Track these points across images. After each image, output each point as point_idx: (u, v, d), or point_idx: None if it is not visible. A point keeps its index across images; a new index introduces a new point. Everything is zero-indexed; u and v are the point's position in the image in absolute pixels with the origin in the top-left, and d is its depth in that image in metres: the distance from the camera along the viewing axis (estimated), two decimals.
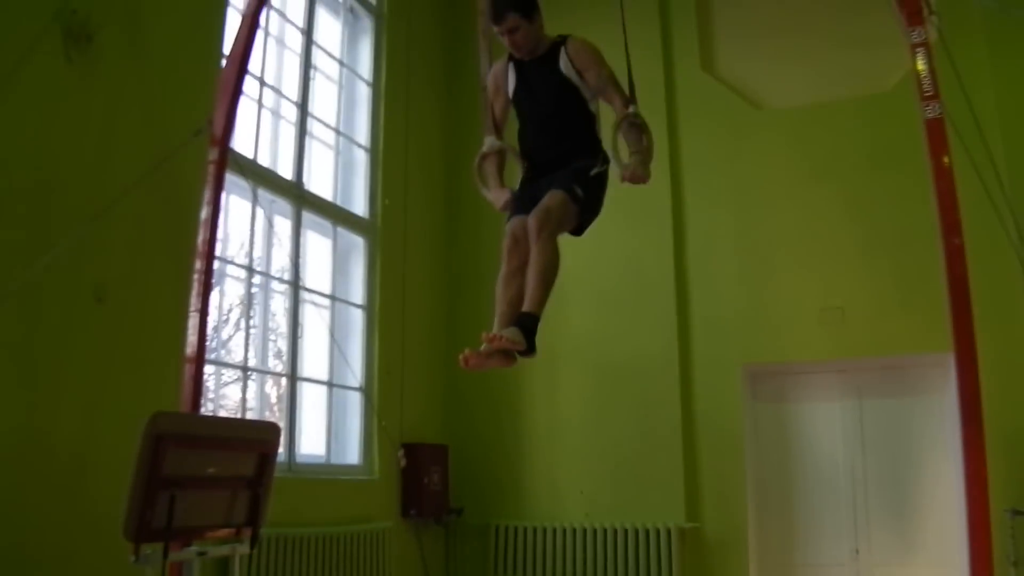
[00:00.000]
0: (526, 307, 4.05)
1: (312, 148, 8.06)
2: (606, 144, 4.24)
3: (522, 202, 4.33)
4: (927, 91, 4.97)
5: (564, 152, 4.33)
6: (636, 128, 4.20)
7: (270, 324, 7.68)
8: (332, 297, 8.11)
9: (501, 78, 4.54)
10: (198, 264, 5.86)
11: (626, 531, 8.26)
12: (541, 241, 4.07)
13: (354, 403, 8.11)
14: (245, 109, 6.60)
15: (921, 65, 5.00)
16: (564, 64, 4.34)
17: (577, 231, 4.35)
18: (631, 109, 4.22)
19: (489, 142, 4.57)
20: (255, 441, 5.01)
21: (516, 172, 4.55)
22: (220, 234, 6.27)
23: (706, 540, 8.27)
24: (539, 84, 4.41)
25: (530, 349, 3.96)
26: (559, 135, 4.38)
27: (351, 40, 8.93)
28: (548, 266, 4.07)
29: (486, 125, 4.60)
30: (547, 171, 4.34)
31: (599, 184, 4.28)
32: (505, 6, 4.28)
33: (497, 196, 4.49)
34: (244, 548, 4.92)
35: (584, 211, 4.26)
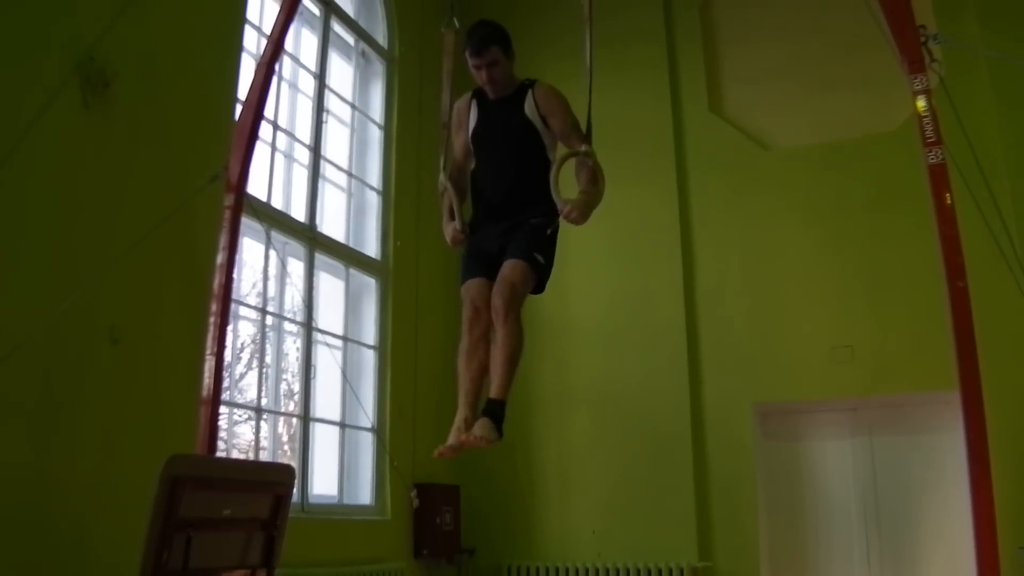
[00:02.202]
0: (496, 393, 4.04)
1: (325, 191, 8.17)
2: (550, 176, 4.11)
3: (473, 258, 4.32)
4: (929, 137, 5.03)
5: (517, 199, 4.26)
6: (587, 169, 4.11)
7: (282, 364, 7.74)
8: (344, 338, 8.17)
9: (464, 114, 4.48)
10: (214, 307, 5.92)
11: (638, 570, 8.25)
12: (508, 323, 4.03)
13: (366, 444, 8.14)
14: (259, 153, 6.68)
15: (923, 111, 5.06)
16: (529, 107, 4.28)
17: (537, 290, 4.28)
18: (583, 148, 4.13)
19: (440, 180, 4.52)
20: (270, 483, 5.03)
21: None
22: (234, 276, 6.34)
23: None
24: (501, 124, 4.36)
25: (499, 436, 4.00)
26: (514, 179, 4.29)
27: (363, 84, 9.05)
28: (516, 349, 4.05)
29: (443, 160, 4.56)
30: (498, 215, 4.30)
31: (554, 242, 4.26)
32: (487, 39, 4.25)
33: (448, 230, 4.44)
34: None
35: (543, 274, 4.23)
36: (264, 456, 7.17)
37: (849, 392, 8.22)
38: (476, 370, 4.20)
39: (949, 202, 5.02)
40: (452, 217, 4.43)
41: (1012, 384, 7.16)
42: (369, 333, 8.43)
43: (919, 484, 8.05)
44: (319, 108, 8.07)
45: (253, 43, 7.03)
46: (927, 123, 5.06)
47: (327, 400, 7.88)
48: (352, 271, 8.34)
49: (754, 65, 9.26)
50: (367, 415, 8.00)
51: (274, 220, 7.17)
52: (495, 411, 4.02)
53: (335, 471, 7.89)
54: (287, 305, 7.60)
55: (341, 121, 8.67)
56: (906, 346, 7.94)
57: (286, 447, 7.88)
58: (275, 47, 6.43)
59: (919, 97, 5.10)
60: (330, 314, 8.11)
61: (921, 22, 5.37)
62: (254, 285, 7.74)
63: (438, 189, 4.54)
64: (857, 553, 8.11)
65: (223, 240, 6.05)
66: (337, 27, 8.54)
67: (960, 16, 8.01)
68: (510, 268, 4.10)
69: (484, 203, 4.41)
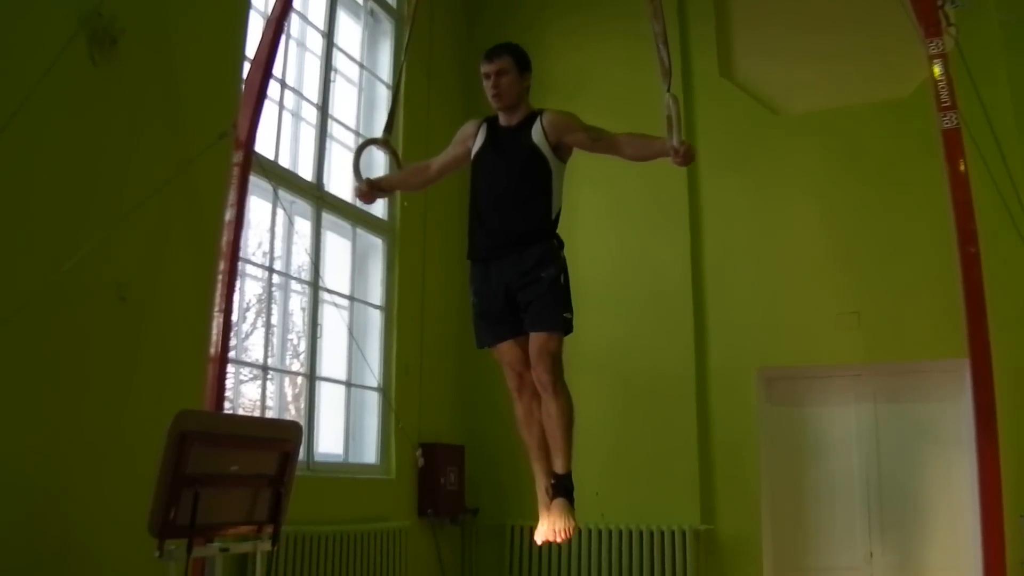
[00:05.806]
0: (561, 468, 4.11)
1: (332, 150, 8.13)
2: (664, 128, 3.99)
3: (488, 320, 4.28)
4: (944, 101, 4.97)
5: (519, 231, 4.16)
6: (676, 116, 3.95)
7: (288, 324, 7.74)
8: (351, 297, 8.17)
9: (468, 134, 4.46)
10: (222, 265, 5.90)
11: (641, 533, 8.30)
12: (558, 395, 4.07)
13: (372, 403, 8.18)
14: (267, 111, 6.64)
15: (939, 76, 5.01)
16: (536, 132, 4.19)
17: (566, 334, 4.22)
18: (671, 93, 4.02)
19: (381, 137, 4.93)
20: (277, 440, 5.06)
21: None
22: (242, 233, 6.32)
23: (720, 542, 8.30)
24: (507, 149, 4.27)
25: (572, 506, 4.10)
26: (516, 209, 4.19)
27: (371, 42, 8.99)
28: (570, 419, 4.11)
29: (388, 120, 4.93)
30: (499, 249, 4.20)
31: (568, 282, 4.21)
32: (501, 48, 4.27)
33: (358, 187, 4.71)
34: (265, 545, 4.98)
35: (571, 322, 4.19)
36: (270, 415, 7.19)
37: (854, 358, 8.22)
38: (539, 434, 4.25)
39: (963, 168, 4.97)
40: (362, 176, 4.72)
41: (1019, 353, 7.14)
42: (375, 293, 8.43)
43: (922, 451, 8.07)
44: (327, 67, 8.02)
45: (261, 0, 6.98)
46: (942, 87, 5.00)
47: (333, 359, 7.90)
48: (359, 231, 8.33)
49: (766, 30, 9.17)
50: (373, 374, 8.02)
51: (281, 179, 7.14)
52: (565, 486, 4.12)
53: (341, 430, 7.93)
54: (293, 264, 7.60)
55: (349, 80, 8.62)
56: (911, 314, 7.93)
57: (291, 406, 7.89)
58: (284, 4, 6.35)
59: (935, 61, 5.04)
60: (337, 273, 8.10)
61: None
62: (260, 244, 7.72)
63: (377, 137, 4.93)
64: (859, 518, 8.14)
65: (231, 197, 6.00)
66: None
67: None
68: (546, 340, 4.08)
69: (482, 232, 4.32)
